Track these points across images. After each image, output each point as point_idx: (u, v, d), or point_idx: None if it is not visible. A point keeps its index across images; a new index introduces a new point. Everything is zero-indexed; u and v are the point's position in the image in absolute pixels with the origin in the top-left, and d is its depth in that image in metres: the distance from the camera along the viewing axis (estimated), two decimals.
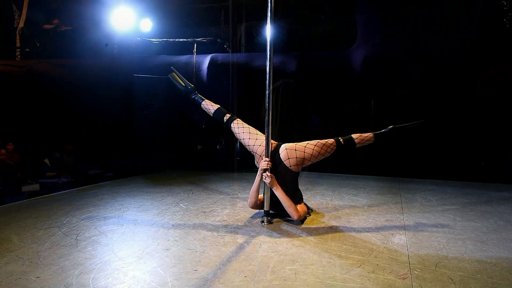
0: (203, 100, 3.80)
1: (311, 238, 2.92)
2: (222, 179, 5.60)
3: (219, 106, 3.77)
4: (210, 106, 3.77)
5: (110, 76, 7.76)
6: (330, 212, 3.74)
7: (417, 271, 2.32)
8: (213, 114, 3.75)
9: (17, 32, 10.41)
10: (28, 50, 10.31)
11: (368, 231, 3.09)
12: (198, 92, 3.87)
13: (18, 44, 10.35)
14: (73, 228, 3.16)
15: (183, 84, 3.88)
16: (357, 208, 3.93)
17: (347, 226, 3.25)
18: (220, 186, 5.02)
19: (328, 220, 3.42)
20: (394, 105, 6.51)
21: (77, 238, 2.90)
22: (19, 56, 10.27)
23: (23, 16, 10.47)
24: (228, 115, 3.67)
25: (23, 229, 3.15)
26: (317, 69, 6.73)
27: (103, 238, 2.92)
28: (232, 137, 6.80)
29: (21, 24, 10.48)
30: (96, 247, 2.72)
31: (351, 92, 6.73)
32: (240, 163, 6.66)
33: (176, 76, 3.93)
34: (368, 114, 6.67)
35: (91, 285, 2.12)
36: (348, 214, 3.65)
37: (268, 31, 3.26)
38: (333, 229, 3.14)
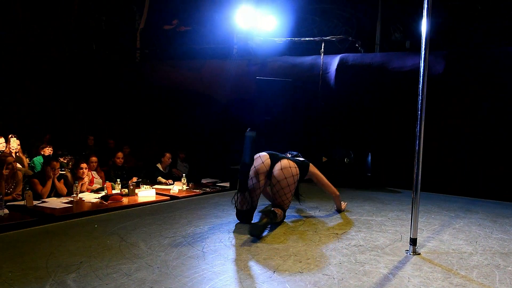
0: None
1: (472, 277, 2.71)
2: (352, 197, 5.50)
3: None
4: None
5: (230, 78, 8.17)
6: (492, 247, 3.43)
7: None
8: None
9: (137, 33, 11.55)
10: (147, 51, 11.40)
11: None
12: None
13: (138, 45, 11.47)
14: (198, 239, 3.37)
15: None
16: None
17: None
18: (350, 206, 4.94)
19: (492, 257, 3.14)
20: None
21: (203, 250, 3.09)
22: (138, 58, 11.39)
23: (144, 17, 11.58)
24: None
25: (149, 236, 3.45)
26: (474, 71, 6.28)
27: (230, 252, 3.07)
28: (363, 151, 6.68)
29: (141, 25, 11.61)
30: (224, 262, 2.86)
31: None
32: (371, 179, 6.48)
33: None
34: None
35: None
36: None
37: (424, 25, 3.14)
38: (500, 269, 2.87)
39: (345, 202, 4.78)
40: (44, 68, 10.58)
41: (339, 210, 4.62)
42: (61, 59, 10.95)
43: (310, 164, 4.27)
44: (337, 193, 4.46)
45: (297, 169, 3.98)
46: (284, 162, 3.94)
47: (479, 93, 6.34)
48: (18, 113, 9.91)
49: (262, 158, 3.98)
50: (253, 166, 3.89)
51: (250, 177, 3.91)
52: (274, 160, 3.98)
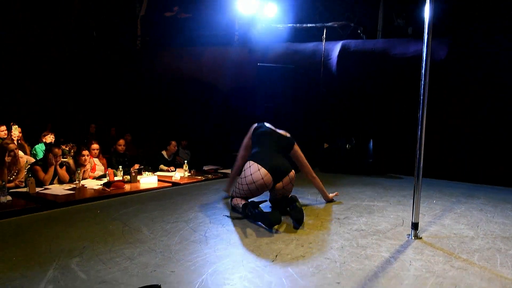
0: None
1: (474, 260, 2.72)
2: (354, 183, 5.52)
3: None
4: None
5: (232, 65, 8.13)
6: (494, 231, 3.44)
7: None
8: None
9: (138, 20, 11.46)
10: (148, 38, 11.33)
11: None
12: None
13: (138, 33, 11.40)
14: (200, 224, 3.39)
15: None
16: None
17: None
18: (351, 191, 4.95)
19: (493, 241, 3.15)
20: None
21: (206, 235, 3.10)
22: (139, 45, 11.33)
23: (144, 4, 11.49)
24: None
25: (152, 221, 3.47)
26: (474, 71, 6.25)
27: (232, 237, 3.08)
28: (364, 137, 6.68)
29: (142, 12, 11.52)
30: (226, 246, 2.87)
31: None
32: (372, 165, 6.49)
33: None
34: None
35: (226, 286, 2.24)
36: None
37: (427, 10, 3.11)
38: (501, 253, 2.88)
39: (335, 192, 4.61)
40: (44, 68, 10.56)
41: (327, 199, 4.43)
42: (61, 59, 10.91)
43: (295, 143, 4.20)
44: (314, 174, 4.29)
45: (294, 176, 3.91)
46: (286, 180, 3.81)
47: (479, 93, 6.32)
48: (18, 113, 9.88)
49: (265, 180, 3.71)
50: (254, 185, 3.73)
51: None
52: (277, 179, 3.78)
